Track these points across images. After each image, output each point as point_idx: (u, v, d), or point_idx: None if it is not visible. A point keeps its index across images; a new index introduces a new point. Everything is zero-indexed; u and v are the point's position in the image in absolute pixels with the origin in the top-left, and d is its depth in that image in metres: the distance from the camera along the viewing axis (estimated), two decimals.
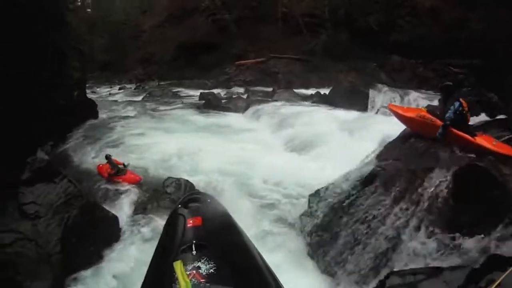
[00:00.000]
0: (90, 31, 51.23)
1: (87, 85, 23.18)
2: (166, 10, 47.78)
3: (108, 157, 11.01)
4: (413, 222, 5.75)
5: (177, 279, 2.13)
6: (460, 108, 6.89)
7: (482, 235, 4.86)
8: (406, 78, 24.61)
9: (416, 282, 4.37)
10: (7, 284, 6.45)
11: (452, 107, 6.90)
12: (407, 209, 5.99)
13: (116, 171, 10.73)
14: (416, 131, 7.74)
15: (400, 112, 7.83)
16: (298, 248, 7.68)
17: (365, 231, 6.46)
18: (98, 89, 40.26)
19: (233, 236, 3.31)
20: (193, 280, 2.32)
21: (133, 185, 10.49)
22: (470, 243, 4.94)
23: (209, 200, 3.86)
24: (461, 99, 7.02)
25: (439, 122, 7.04)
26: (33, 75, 12.43)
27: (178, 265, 2.17)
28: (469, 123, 7.17)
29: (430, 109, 7.83)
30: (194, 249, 2.83)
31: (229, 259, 2.77)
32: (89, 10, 63.51)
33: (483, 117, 12.73)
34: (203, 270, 2.50)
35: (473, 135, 6.73)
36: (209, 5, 40.92)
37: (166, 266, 2.62)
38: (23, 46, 11.62)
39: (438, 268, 4.63)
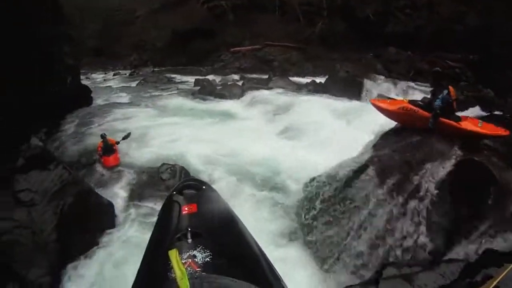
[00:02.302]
0: (83, 17, 50.68)
1: (81, 71, 23.01)
2: None
3: (102, 136, 11.15)
4: (408, 214, 5.74)
5: (172, 267, 2.06)
6: (448, 96, 6.97)
7: (478, 229, 4.90)
8: (402, 69, 24.63)
9: (412, 274, 4.37)
10: (3, 272, 6.43)
11: (440, 95, 6.99)
12: (402, 201, 5.97)
13: (103, 152, 10.85)
14: (401, 123, 7.85)
15: (383, 106, 7.85)
16: (293, 235, 7.70)
17: (359, 221, 6.46)
18: (92, 75, 39.90)
19: (230, 224, 3.25)
20: (189, 269, 2.28)
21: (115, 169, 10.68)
22: (465, 237, 4.99)
23: (204, 187, 3.75)
24: (450, 87, 7.12)
25: (422, 112, 7.15)
26: (25, 61, 12.28)
27: (173, 254, 2.10)
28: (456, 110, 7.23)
29: (412, 100, 7.83)
30: (189, 237, 2.78)
31: (226, 248, 2.75)
32: None
33: (479, 112, 12.85)
34: (199, 258, 2.48)
35: (458, 120, 6.88)
36: None
37: (161, 254, 2.55)
38: (13, 33, 11.46)
39: (434, 260, 4.69)
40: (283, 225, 8.06)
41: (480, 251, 4.56)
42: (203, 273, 2.27)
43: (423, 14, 26.03)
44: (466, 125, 6.84)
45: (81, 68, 24.59)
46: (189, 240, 2.73)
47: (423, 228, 5.49)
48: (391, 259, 5.38)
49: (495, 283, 2.95)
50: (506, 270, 3.17)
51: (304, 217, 7.84)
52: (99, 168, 10.84)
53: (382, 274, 4.57)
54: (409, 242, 5.52)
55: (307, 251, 7.19)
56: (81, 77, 22.82)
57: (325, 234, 7.02)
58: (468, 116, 7.19)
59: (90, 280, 6.69)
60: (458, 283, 4.05)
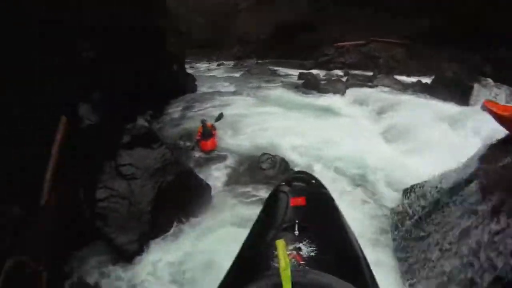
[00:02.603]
0: (190, 11, 52.21)
1: (186, 61, 23.83)
2: None
3: (203, 122, 11.71)
4: (508, 236, 4.95)
5: (276, 257, 1.98)
6: None
7: None
8: None
9: None
10: (95, 234, 7.01)
11: None
12: (505, 221, 5.14)
13: (202, 136, 11.35)
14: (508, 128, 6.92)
15: (495, 110, 6.97)
16: (384, 241, 7.59)
17: (454, 239, 5.90)
18: (197, 65, 41.30)
19: (336, 221, 3.23)
20: (293, 260, 2.30)
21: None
22: None
23: (314, 181, 3.80)
24: None
25: None
26: (137, 51, 13.12)
27: (280, 243, 2.00)
28: None
29: None
30: (296, 229, 2.77)
31: (331, 245, 2.73)
32: None
33: None
34: (304, 252, 2.46)
35: None
36: None
37: (266, 242, 2.63)
38: (127, 25, 12.29)
39: None
40: (375, 228, 7.98)
41: None
42: (306, 267, 2.27)
43: None
44: None
45: (186, 58, 25.53)
46: (296, 233, 2.72)
47: None
48: (484, 283, 4.80)
49: None
50: None
51: (398, 224, 7.66)
52: (197, 151, 11.32)
53: None
54: (503, 268, 4.77)
55: (395, 260, 7.02)
56: (186, 66, 23.61)
57: (416, 247, 6.73)
58: None
59: (175, 256, 6.92)
60: None
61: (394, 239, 7.49)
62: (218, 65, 40.94)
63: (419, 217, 7.14)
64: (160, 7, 17.54)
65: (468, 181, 6.47)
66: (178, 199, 7.92)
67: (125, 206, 7.20)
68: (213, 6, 55.11)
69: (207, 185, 8.92)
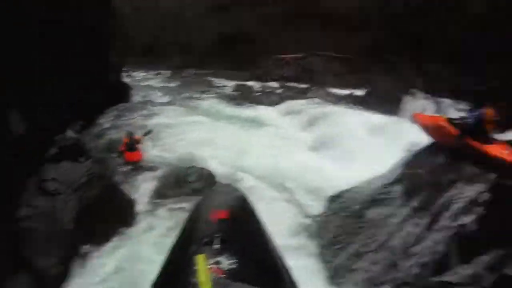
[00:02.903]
0: (137, 17, 51.55)
1: (124, 69, 23.39)
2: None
3: (129, 133, 11.34)
4: (432, 235, 5.60)
5: (196, 272, 2.08)
6: (482, 116, 6.67)
7: (501, 256, 4.70)
8: (444, 86, 24.12)
9: None
10: (17, 257, 6.50)
11: (474, 114, 6.81)
12: (427, 221, 5.82)
13: (127, 148, 11.02)
14: (436, 139, 7.56)
15: (422, 120, 7.77)
16: (310, 248, 7.57)
17: (381, 239, 6.33)
18: (133, 73, 40.52)
19: (258, 233, 3.20)
20: (214, 274, 2.24)
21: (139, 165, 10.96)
22: (489, 262, 4.76)
23: (236, 193, 3.63)
24: (488, 108, 6.76)
25: (452, 130, 6.85)
26: (71, 56, 12.54)
27: (200, 259, 2.13)
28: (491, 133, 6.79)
29: (451, 118, 7.45)
30: (217, 243, 2.72)
31: (252, 256, 2.71)
32: None
33: None
34: (224, 265, 2.44)
35: (488, 143, 6.45)
36: None
37: (186, 258, 2.55)
38: (65, 26, 11.70)
39: (449, 283, 4.62)
40: (300, 235, 8.01)
41: (496, 276, 4.45)
42: (227, 280, 2.24)
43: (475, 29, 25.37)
44: (492, 149, 6.35)
45: (125, 66, 25.01)
46: (217, 246, 2.68)
47: (444, 249, 5.31)
48: (408, 279, 5.26)
49: None
50: None
51: (324, 230, 7.76)
52: (122, 163, 11.00)
53: None
54: (428, 263, 5.36)
55: (322, 264, 7.05)
56: (123, 74, 23.15)
57: (344, 249, 6.89)
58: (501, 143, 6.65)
59: (102, 273, 6.71)
60: None
61: (320, 245, 7.57)
62: (156, 74, 40.46)
63: (345, 221, 7.43)
64: (105, 7, 16.70)
65: (393, 185, 7.09)
66: (103, 214, 7.69)
67: (48, 225, 6.85)
68: (159, 15, 54.46)
69: (132, 199, 8.79)
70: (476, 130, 6.65)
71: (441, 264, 5.22)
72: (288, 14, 38.31)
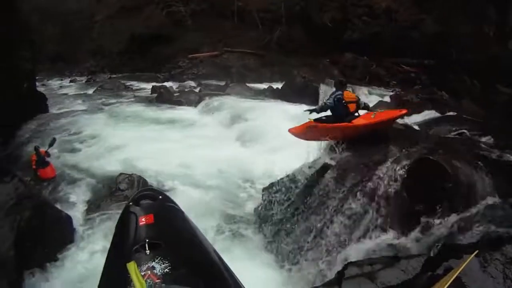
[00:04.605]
0: (42, 20, 49.40)
1: (37, 78, 22.46)
2: (119, 0, 46.47)
3: (36, 149, 10.71)
4: (368, 213, 5.83)
5: (131, 280, 2.07)
6: (338, 97, 7.35)
7: (435, 225, 5.06)
8: (359, 74, 25.10)
9: (374, 272, 4.41)
10: None
11: (332, 97, 7.46)
12: (362, 201, 6.03)
13: (37, 164, 10.43)
14: (316, 140, 8.06)
15: (295, 131, 8.00)
16: (254, 242, 7.71)
17: (320, 222, 6.48)
18: (48, 82, 38.87)
19: (187, 233, 3.23)
20: (148, 281, 2.28)
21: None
22: (424, 233, 5.13)
23: (161, 197, 3.71)
24: (345, 91, 7.57)
25: (324, 125, 7.36)
26: None
27: (131, 266, 2.10)
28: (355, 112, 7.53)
29: (316, 118, 7.83)
30: (147, 249, 2.75)
31: (184, 257, 2.72)
32: None
33: (434, 114, 13.17)
34: (158, 270, 2.46)
35: (350, 120, 7.26)
36: None
37: (120, 267, 2.49)
38: None
39: (395, 257, 4.71)
40: (240, 230, 8.11)
41: (439, 246, 4.61)
42: (162, 285, 2.27)
43: (381, 21, 26.50)
44: (358, 122, 7.23)
45: (38, 75, 24.04)
46: (147, 252, 2.71)
47: (383, 226, 5.59)
48: (352, 259, 5.34)
49: (456, 274, 2.99)
50: (466, 262, 3.24)
51: (264, 221, 7.90)
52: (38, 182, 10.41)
53: (345, 274, 4.55)
54: (370, 240, 5.61)
55: (269, 257, 7.15)
56: (37, 83, 22.27)
57: (286, 237, 7.04)
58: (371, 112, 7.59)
59: None
60: (420, 277, 4.09)
61: (262, 235, 7.79)
62: (71, 81, 39.00)
63: (282, 210, 7.61)
64: (9, 13, 15.79)
65: (323, 169, 7.26)
66: (39, 235, 7.24)
67: None
68: (67, 17, 52.50)
69: (67, 215, 8.30)
70: (341, 112, 7.37)
71: (379, 241, 5.49)
72: (199, 12, 38.04)
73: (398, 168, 5.89)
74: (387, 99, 17.32)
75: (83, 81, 38.92)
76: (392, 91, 20.92)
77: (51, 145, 11.14)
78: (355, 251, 5.62)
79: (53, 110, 20.16)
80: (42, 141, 13.13)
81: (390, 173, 5.93)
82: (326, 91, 18.73)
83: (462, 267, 3.08)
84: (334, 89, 7.81)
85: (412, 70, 24.82)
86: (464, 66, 19.28)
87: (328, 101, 7.41)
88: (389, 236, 5.44)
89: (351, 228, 5.93)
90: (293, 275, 6.35)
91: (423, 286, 3.79)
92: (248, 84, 26.09)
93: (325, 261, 5.99)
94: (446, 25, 22.38)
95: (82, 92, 29.94)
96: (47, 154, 10.74)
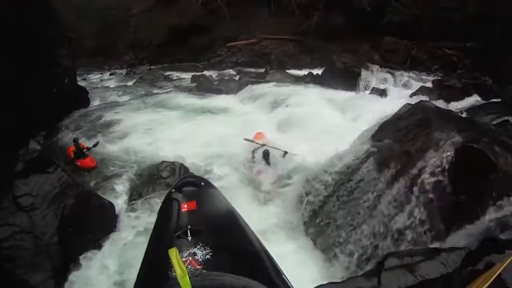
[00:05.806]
0: (79, 18, 49.97)
1: (77, 72, 22.86)
2: None
3: (75, 140, 11.15)
4: (409, 204, 5.75)
5: (173, 266, 2.02)
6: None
7: (478, 218, 4.90)
8: (399, 59, 24.54)
9: (414, 264, 4.33)
10: (6, 278, 6.38)
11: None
12: (403, 191, 5.97)
13: (76, 155, 10.83)
14: None
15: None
16: (297, 229, 7.73)
17: (360, 213, 6.50)
18: (89, 76, 39.27)
19: (230, 220, 3.24)
20: (190, 267, 2.32)
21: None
22: (466, 225, 5.01)
23: (203, 183, 3.80)
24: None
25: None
26: (22, 65, 12.11)
27: (173, 253, 2.05)
28: None
29: None
30: (189, 235, 2.80)
31: (226, 244, 2.77)
32: None
33: (477, 99, 12.79)
34: (199, 256, 2.50)
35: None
36: None
37: (162, 253, 2.53)
38: (8, 36, 11.27)
39: (435, 249, 4.63)
40: (283, 220, 8.08)
41: (481, 239, 4.54)
42: (204, 271, 2.32)
43: (421, 3, 25.80)
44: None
45: (77, 70, 24.45)
46: (189, 238, 2.76)
47: (424, 217, 5.50)
48: (393, 249, 5.37)
49: (499, 270, 2.86)
50: (510, 258, 3.07)
51: (305, 211, 7.86)
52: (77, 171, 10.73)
53: (384, 265, 4.48)
54: (410, 232, 5.55)
55: (309, 244, 7.20)
56: (78, 78, 22.66)
57: (326, 227, 7.05)
58: None
59: (93, 281, 6.66)
60: (460, 271, 4.01)
61: (302, 221, 7.79)
62: (111, 74, 39.25)
63: (323, 198, 7.61)
64: (47, 14, 16.20)
65: (364, 157, 7.16)
66: (83, 222, 7.56)
67: (30, 241, 6.68)
68: (104, 12, 53.05)
69: (110, 203, 8.59)
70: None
71: (424, 233, 5.43)
72: (235, 1, 37.92)
73: (441, 156, 5.77)
74: (429, 84, 16.91)
75: (123, 74, 39.22)
76: (433, 76, 20.38)
77: (94, 146, 11.50)
78: (395, 243, 5.62)
79: (94, 103, 20.60)
80: (82, 134, 13.70)
81: (433, 161, 5.81)
82: (367, 77, 18.70)
83: (506, 263, 2.97)
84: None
85: (454, 54, 24.01)
86: (509, 49, 18.60)
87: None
88: (429, 228, 5.40)
89: (390, 220, 5.88)
90: (332, 265, 6.39)
91: (463, 281, 3.68)
92: (287, 71, 25.89)
93: (364, 250, 6.02)
94: (490, 6, 21.62)
95: (122, 84, 30.29)
96: (88, 149, 11.16)
